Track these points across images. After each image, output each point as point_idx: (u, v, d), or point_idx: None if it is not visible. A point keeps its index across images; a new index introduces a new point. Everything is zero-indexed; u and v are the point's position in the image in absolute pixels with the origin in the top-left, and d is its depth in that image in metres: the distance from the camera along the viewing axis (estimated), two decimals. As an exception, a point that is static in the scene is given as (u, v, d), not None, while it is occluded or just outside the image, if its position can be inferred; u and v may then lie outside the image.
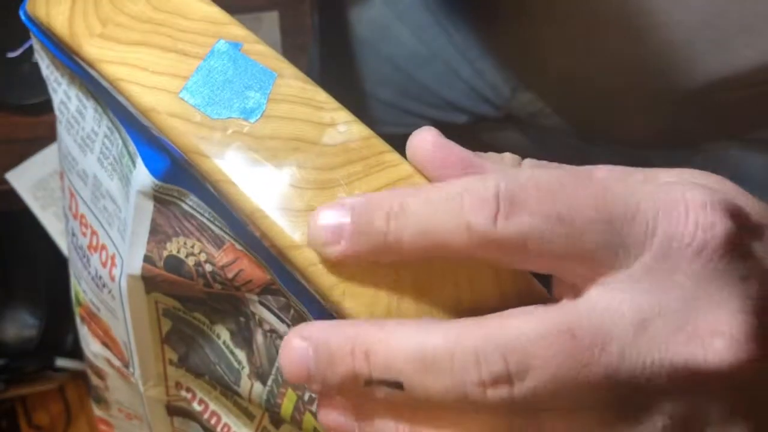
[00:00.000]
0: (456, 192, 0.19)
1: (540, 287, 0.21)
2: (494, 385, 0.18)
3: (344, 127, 0.23)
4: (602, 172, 0.22)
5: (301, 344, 0.20)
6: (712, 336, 0.18)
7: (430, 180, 0.22)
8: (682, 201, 0.19)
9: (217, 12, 0.25)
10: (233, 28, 0.25)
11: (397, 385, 0.19)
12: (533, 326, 0.18)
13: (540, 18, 0.61)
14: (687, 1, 0.49)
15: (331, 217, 0.20)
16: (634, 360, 0.18)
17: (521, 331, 0.18)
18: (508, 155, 0.24)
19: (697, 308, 0.18)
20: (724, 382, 0.18)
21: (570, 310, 0.18)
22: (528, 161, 0.24)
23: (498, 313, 0.19)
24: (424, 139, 0.22)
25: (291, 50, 0.66)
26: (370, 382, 0.19)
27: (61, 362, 0.74)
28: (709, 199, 0.19)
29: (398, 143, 0.23)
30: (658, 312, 0.18)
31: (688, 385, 0.18)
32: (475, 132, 0.94)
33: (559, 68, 0.63)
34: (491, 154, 0.23)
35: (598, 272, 0.19)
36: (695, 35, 0.52)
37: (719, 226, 0.18)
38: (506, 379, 0.18)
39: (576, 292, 0.19)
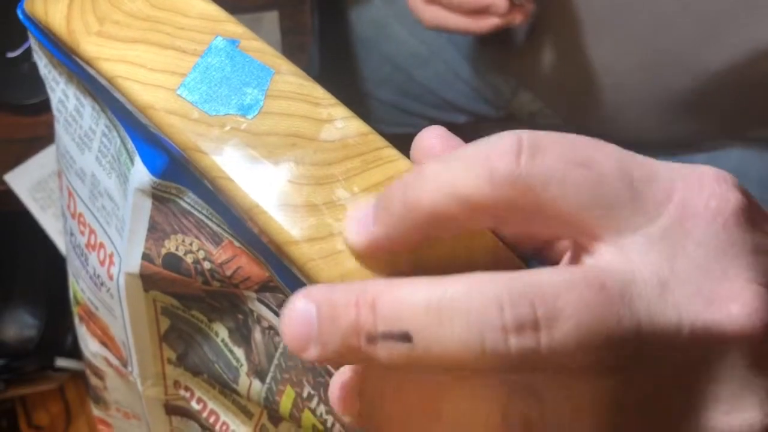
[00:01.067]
0: (475, 148, 0.19)
1: None
2: (519, 332, 0.16)
3: (342, 122, 0.23)
4: None
5: (305, 305, 0.18)
6: (729, 302, 0.18)
7: None
8: (697, 172, 0.19)
9: (214, 9, 0.25)
10: (230, 25, 0.25)
11: (405, 338, 0.17)
12: (562, 276, 0.17)
13: (538, 18, 0.61)
14: None
15: (354, 214, 0.21)
16: (660, 317, 0.17)
17: (549, 279, 0.17)
18: None
19: (712, 275, 0.18)
20: (740, 345, 0.18)
21: (594, 266, 0.18)
22: None
23: (519, 270, 0.18)
24: (431, 135, 0.22)
25: (291, 50, 0.66)
26: (373, 337, 0.18)
27: (61, 362, 0.74)
28: (722, 174, 0.19)
29: (398, 143, 0.23)
30: (677, 275, 0.18)
31: (707, 346, 0.18)
32: (475, 132, 0.94)
33: (558, 69, 0.63)
34: None
35: (615, 230, 0.18)
36: (681, 26, 0.52)
37: (732, 197, 0.18)
38: (533, 324, 0.16)
39: (584, 256, 0.19)
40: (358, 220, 0.20)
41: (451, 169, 0.18)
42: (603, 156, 0.18)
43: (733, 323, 0.18)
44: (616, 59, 0.58)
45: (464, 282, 0.17)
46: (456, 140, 0.22)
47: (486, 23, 0.51)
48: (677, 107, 0.59)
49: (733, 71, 0.53)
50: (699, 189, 0.19)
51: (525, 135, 0.18)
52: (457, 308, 0.17)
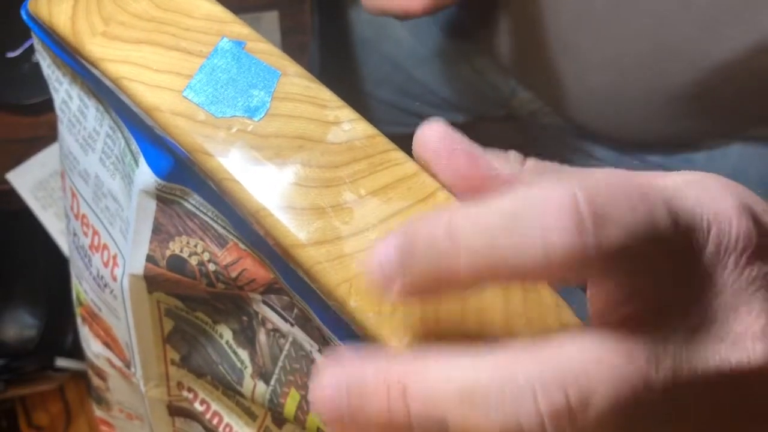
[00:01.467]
0: (522, 208, 0.17)
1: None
2: (555, 419, 0.16)
3: (349, 125, 0.23)
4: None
5: (335, 383, 0.18)
6: (753, 341, 0.18)
7: (436, 174, 0.22)
8: (727, 205, 0.19)
9: (220, 10, 0.25)
10: (236, 26, 0.25)
11: (441, 426, 0.17)
12: (590, 353, 0.17)
13: (536, 16, 0.61)
14: None
15: (380, 255, 0.18)
16: (687, 366, 0.17)
17: (580, 357, 0.17)
18: (512, 153, 0.23)
19: (736, 313, 0.18)
20: (763, 379, 0.18)
21: (623, 329, 0.18)
22: (531, 160, 0.24)
23: (546, 338, 0.18)
24: (432, 130, 0.22)
25: (291, 50, 0.66)
26: (408, 426, 0.17)
27: (61, 362, 0.74)
28: (739, 202, 0.19)
29: (398, 142, 0.23)
30: (705, 318, 0.18)
31: (733, 383, 0.18)
32: (474, 131, 0.95)
33: (558, 66, 0.63)
34: (496, 151, 0.23)
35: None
36: (682, 21, 0.52)
37: (752, 231, 0.18)
38: (568, 410, 0.16)
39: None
40: (382, 270, 0.18)
41: (495, 235, 0.17)
42: (653, 206, 0.17)
43: (758, 358, 0.18)
44: (617, 55, 0.58)
45: (495, 365, 0.17)
46: (456, 137, 0.22)
47: (419, 1, 0.51)
48: (678, 104, 0.59)
49: (734, 66, 0.53)
50: (729, 225, 0.18)
51: (582, 199, 0.16)
52: (491, 395, 0.17)
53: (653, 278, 0.18)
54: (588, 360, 0.17)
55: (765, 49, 0.51)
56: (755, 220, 0.19)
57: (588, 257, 0.16)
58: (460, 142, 0.22)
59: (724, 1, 0.49)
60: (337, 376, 0.18)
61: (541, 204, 0.17)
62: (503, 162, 0.23)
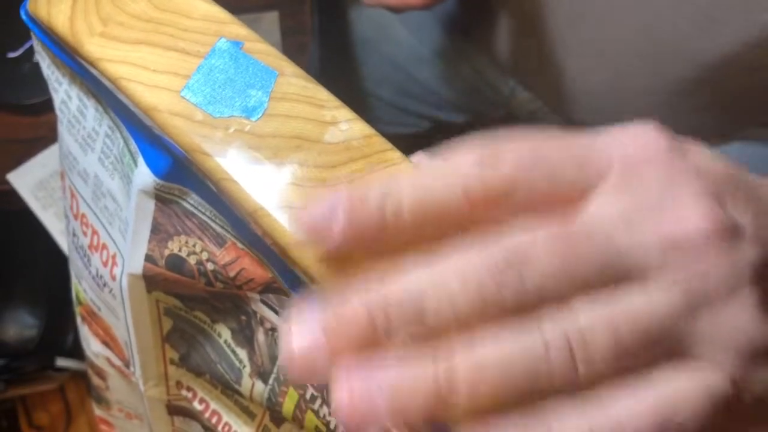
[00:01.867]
0: (444, 162, 0.20)
1: None
2: (506, 280, 0.19)
3: (346, 125, 0.23)
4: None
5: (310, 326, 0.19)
6: (688, 213, 0.20)
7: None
8: (629, 130, 0.22)
9: (218, 11, 0.25)
10: (234, 26, 0.25)
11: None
12: (531, 235, 0.19)
13: (534, 15, 0.61)
14: None
15: (324, 205, 0.20)
16: (626, 240, 0.20)
17: (520, 239, 0.19)
18: None
19: (666, 200, 0.20)
20: (711, 245, 0.20)
21: (561, 224, 0.20)
22: None
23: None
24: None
25: (291, 50, 0.66)
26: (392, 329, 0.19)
27: (62, 362, 0.74)
28: (648, 125, 0.22)
29: (398, 142, 0.23)
30: (637, 208, 0.20)
31: (680, 253, 0.20)
32: (474, 131, 0.94)
33: (557, 64, 0.63)
34: None
35: (578, 199, 0.21)
36: (680, 16, 0.52)
37: (663, 139, 0.22)
38: (515, 274, 0.19)
39: None
40: (324, 216, 0.20)
41: (424, 178, 0.20)
42: (549, 149, 0.21)
43: (696, 226, 0.20)
44: (615, 52, 0.58)
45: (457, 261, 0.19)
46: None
47: None
48: (677, 101, 0.59)
49: (732, 63, 0.53)
50: (634, 142, 0.21)
51: (485, 150, 0.20)
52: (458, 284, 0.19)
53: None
54: (529, 241, 0.20)
55: (763, 46, 0.51)
56: (668, 133, 0.22)
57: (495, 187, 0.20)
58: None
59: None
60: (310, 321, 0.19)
61: (460, 160, 0.20)
62: None
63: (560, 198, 0.21)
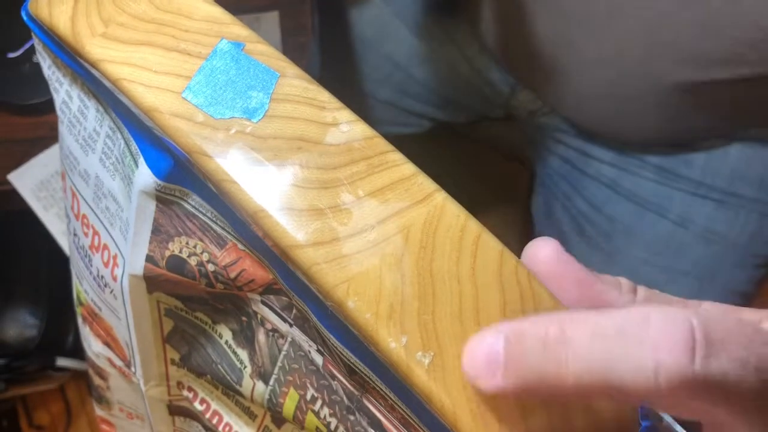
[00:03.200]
0: (640, 328, 0.17)
1: None
2: None
3: (347, 126, 0.23)
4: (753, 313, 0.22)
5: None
6: None
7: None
8: None
9: (219, 12, 0.25)
10: (236, 27, 0.25)
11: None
12: None
13: (536, 16, 0.61)
14: None
15: (484, 346, 0.18)
16: None
17: None
18: (624, 282, 0.23)
19: None
20: None
21: None
22: (642, 290, 0.23)
23: None
24: (543, 250, 0.21)
25: (291, 50, 0.66)
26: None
27: (62, 362, 0.74)
28: None
29: (398, 142, 0.23)
30: None
31: None
32: (474, 130, 0.95)
33: (558, 65, 0.63)
34: (607, 277, 0.22)
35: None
36: (682, 19, 0.52)
37: None
38: None
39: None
40: (486, 362, 0.18)
41: (607, 348, 0.17)
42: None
43: None
44: (616, 53, 0.58)
45: None
46: (569, 262, 0.21)
47: None
48: (678, 103, 0.59)
49: (733, 65, 0.53)
50: None
51: (698, 325, 0.16)
52: None
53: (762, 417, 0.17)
54: None
55: (763, 48, 0.51)
56: None
57: (695, 384, 0.16)
58: (572, 268, 0.21)
59: (724, 0, 0.49)
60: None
61: (656, 323, 0.16)
62: (614, 291, 0.22)
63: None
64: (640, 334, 0.16)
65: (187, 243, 0.27)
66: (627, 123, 0.64)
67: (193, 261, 0.27)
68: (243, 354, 0.30)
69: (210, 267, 0.27)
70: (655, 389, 0.16)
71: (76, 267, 0.36)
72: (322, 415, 0.28)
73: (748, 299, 0.70)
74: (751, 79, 0.54)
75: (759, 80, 0.54)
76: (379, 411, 0.25)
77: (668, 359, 0.16)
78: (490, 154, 1.02)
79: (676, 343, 0.16)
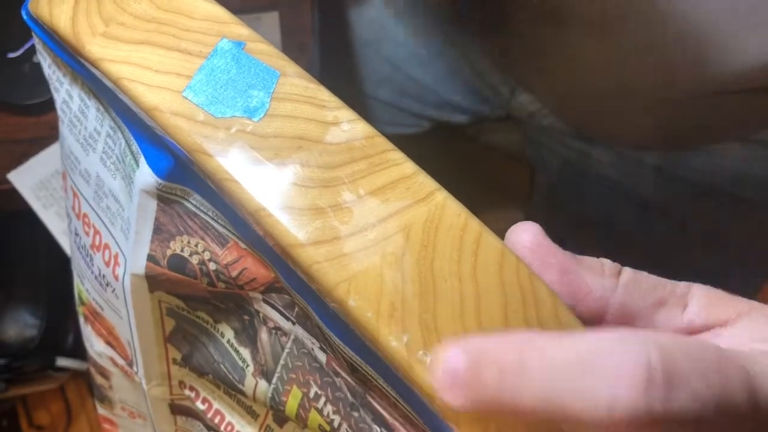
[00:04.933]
0: (596, 357, 0.16)
1: None
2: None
3: (348, 125, 0.23)
4: (726, 338, 0.21)
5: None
6: None
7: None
8: None
9: (220, 11, 0.25)
10: (236, 27, 0.25)
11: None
12: None
13: (536, 18, 0.61)
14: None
15: (448, 364, 0.18)
16: None
17: None
18: (607, 263, 0.22)
19: None
20: None
21: None
22: (627, 273, 0.23)
23: None
24: (523, 235, 0.21)
25: (291, 50, 0.66)
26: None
27: (62, 362, 0.74)
28: None
29: (398, 143, 0.23)
30: None
31: None
32: (474, 132, 0.95)
33: (556, 69, 0.63)
34: (590, 260, 0.22)
35: None
36: (690, 32, 0.52)
37: None
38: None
39: None
40: (450, 379, 0.18)
41: (564, 379, 0.16)
42: (735, 388, 0.17)
43: None
44: (619, 60, 0.58)
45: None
46: (549, 247, 0.21)
47: None
48: (681, 109, 0.59)
49: (737, 75, 0.53)
50: None
51: (658, 360, 0.16)
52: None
53: None
54: None
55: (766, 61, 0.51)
56: None
57: (651, 420, 0.16)
58: (553, 253, 0.21)
59: (729, 11, 0.49)
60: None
61: (617, 354, 0.16)
62: (597, 275, 0.22)
63: None
64: (599, 365, 0.16)
65: (188, 242, 0.27)
66: (629, 127, 0.64)
67: (194, 260, 0.27)
68: (245, 353, 0.30)
69: (211, 266, 0.27)
70: (608, 421, 0.16)
71: (78, 266, 0.36)
72: (325, 413, 0.28)
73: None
74: (756, 95, 0.55)
75: (760, 87, 0.54)
76: (383, 408, 0.25)
77: (624, 394, 0.16)
78: (490, 154, 1.02)
79: (633, 377, 0.16)
